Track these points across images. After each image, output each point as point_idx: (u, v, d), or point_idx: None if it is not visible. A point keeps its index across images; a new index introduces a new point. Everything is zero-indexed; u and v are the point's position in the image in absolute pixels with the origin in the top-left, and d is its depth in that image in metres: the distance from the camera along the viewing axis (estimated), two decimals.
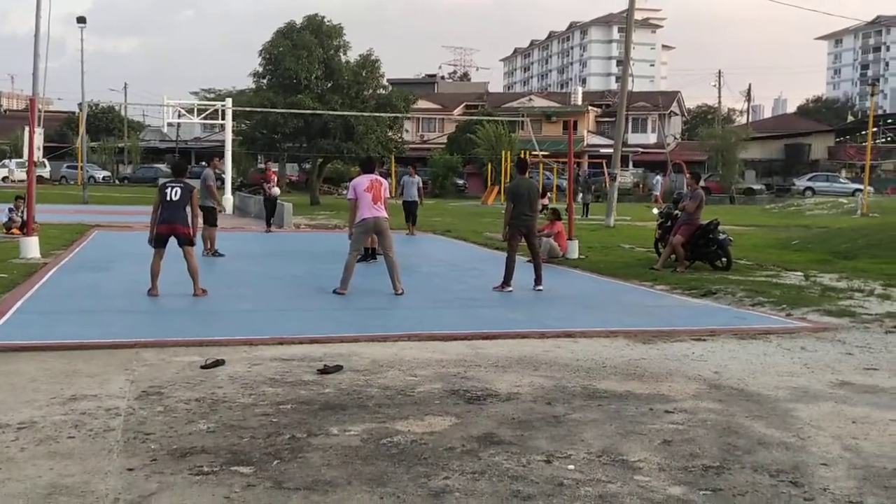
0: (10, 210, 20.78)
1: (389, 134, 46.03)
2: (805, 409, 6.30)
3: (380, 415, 5.93)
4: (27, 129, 20.36)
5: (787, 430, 5.76)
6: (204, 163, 75.50)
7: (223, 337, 8.60)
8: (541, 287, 12.64)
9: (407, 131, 66.93)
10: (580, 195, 37.97)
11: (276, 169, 28.77)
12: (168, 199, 11.32)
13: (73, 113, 77.77)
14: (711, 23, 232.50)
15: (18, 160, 61.23)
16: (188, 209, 11.43)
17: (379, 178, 12.30)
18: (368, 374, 7.12)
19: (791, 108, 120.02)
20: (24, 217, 17.89)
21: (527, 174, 13.84)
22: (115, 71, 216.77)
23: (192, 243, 11.47)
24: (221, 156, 37.01)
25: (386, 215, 12.09)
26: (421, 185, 21.66)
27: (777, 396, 6.68)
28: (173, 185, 11.48)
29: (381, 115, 42.74)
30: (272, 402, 6.22)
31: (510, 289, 12.46)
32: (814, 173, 62.52)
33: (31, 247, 15.43)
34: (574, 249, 17.38)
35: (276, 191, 23.72)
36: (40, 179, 42.67)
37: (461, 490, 4.55)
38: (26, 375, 6.84)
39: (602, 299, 12.30)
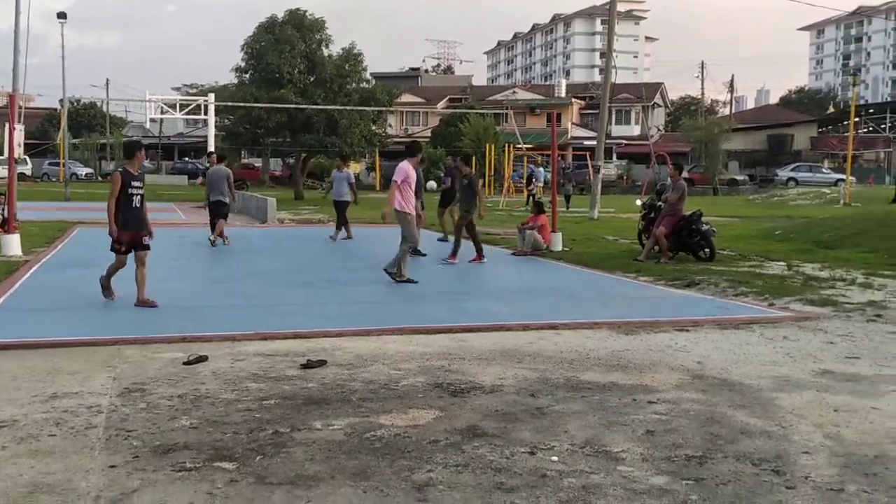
0: None
1: (373, 128, 45.99)
2: (787, 398, 6.33)
3: (363, 409, 5.93)
4: (7, 125, 20.19)
5: (770, 419, 5.79)
6: (187, 158, 75.33)
7: (206, 333, 8.54)
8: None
9: (390, 125, 66.89)
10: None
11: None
12: (133, 206, 10.16)
13: (55, 109, 77.33)
14: (694, 14, 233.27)
15: None
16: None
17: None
18: (352, 369, 7.11)
19: (774, 98, 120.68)
20: (5, 214, 17.75)
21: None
22: (97, 66, 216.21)
23: (149, 248, 10.45)
24: (207, 151, 37.01)
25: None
26: (353, 180, 19.99)
27: (759, 386, 6.71)
28: (136, 186, 10.18)
29: (365, 108, 42.70)
30: (255, 397, 6.20)
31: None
32: (796, 164, 62.90)
33: (13, 244, 15.34)
34: (558, 242, 17.40)
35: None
36: (22, 176, 42.36)
37: (445, 483, 4.55)
38: (7, 374, 6.79)
39: (585, 291, 12.31)
